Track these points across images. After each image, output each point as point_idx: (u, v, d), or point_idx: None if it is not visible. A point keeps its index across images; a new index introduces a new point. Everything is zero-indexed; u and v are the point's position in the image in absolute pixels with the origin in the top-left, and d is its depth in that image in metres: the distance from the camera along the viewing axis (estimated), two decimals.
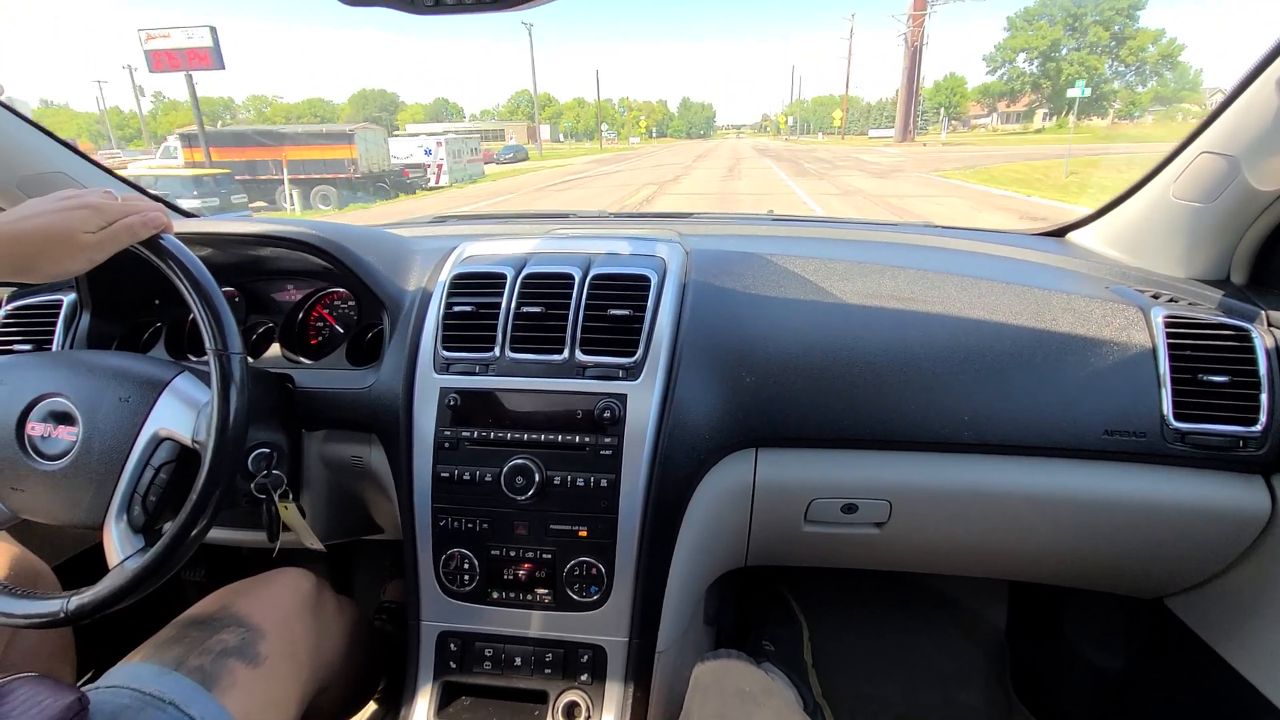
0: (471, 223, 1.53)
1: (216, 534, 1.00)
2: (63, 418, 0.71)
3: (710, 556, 0.96)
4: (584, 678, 0.85)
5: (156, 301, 1.06)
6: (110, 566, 0.66)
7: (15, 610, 0.65)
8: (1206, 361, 0.81)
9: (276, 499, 0.84)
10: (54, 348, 0.99)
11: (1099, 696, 1.15)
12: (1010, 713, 1.31)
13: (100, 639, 1.12)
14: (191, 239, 0.91)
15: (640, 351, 0.83)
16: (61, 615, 0.64)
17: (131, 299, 1.03)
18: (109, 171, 1.22)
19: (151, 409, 0.71)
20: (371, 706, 1.15)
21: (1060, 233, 1.28)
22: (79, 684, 0.70)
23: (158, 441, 0.70)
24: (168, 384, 0.73)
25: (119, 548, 0.67)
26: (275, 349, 1.04)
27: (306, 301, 1.10)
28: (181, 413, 0.71)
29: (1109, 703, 1.14)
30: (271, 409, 0.88)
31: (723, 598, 1.38)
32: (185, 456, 0.72)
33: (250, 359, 1.03)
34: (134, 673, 0.67)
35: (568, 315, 0.85)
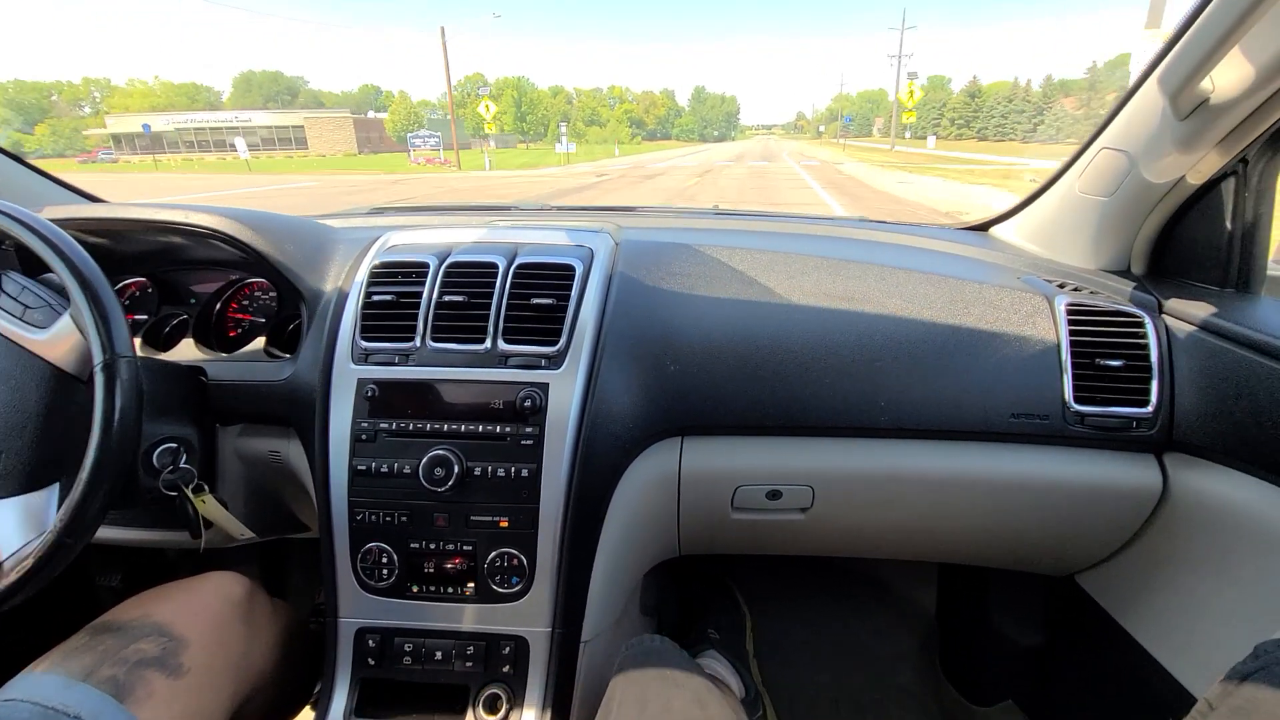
0: (410, 214, 1.50)
1: (134, 535, 0.96)
2: None
3: (640, 546, 0.96)
4: (506, 669, 0.84)
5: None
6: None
7: None
8: (1104, 347, 0.85)
9: (190, 493, 0.81)
10: None
11: (1019, 673, 1.20)
12: (939, 692, 1.35)
13: (4, 650, 1.06)
14: (82, 225, 0.86)
15: (563, 340, 0.83)
16: None
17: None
18: (41, 172, 1.15)
19: None
20: (308, 712, 1.12)
21: (984, 227, 1.33)
22: None
23: None
24: None
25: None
26: (189, 343, 1.00)
27: (225, 292, 1.06)
28: None
29: (1028, 678, 1.18)
30: (181, 403, 0.84)
31: (663, 587, 1.39)
32: None
33: (162, 355, 0.99)
34: (36, 684, 0.62)
35: (490, 304, 0.84)
